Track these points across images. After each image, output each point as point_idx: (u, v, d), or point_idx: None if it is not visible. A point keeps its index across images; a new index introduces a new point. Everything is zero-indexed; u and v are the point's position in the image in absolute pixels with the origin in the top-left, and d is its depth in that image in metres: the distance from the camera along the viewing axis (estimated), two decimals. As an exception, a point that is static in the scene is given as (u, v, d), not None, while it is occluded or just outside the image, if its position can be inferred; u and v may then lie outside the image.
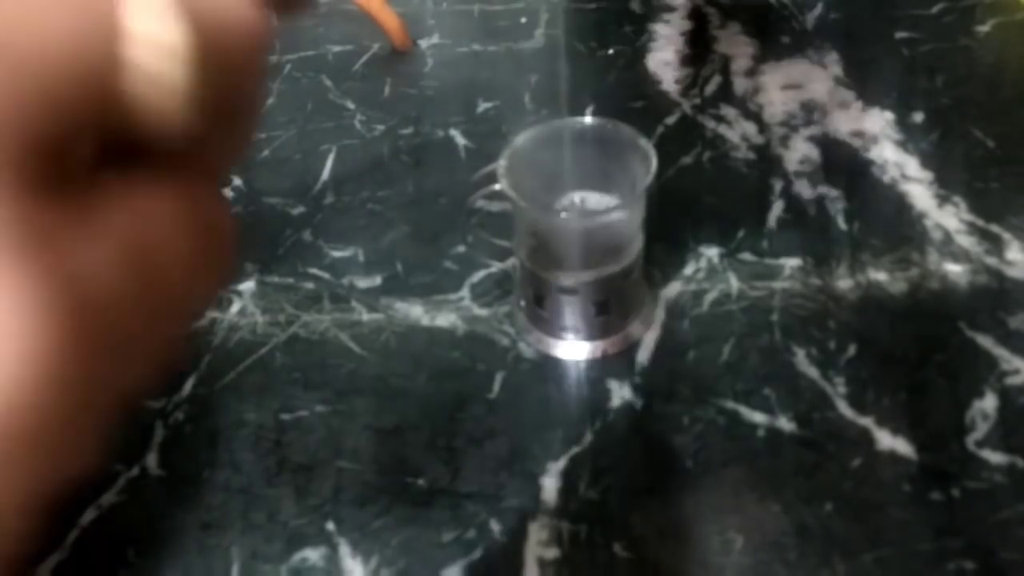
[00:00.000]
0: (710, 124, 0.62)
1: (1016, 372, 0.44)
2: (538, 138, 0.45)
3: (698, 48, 0.69)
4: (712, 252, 0.52)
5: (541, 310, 0.47)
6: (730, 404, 0.44)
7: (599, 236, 0.45)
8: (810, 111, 0.62)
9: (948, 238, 0.52)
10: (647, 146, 0.44)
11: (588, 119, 0.47)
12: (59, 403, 0.11)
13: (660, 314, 0.49)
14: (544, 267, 0.45)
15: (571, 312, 0.46)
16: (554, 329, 0.47)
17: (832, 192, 0.55)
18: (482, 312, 0.50)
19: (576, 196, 0.48)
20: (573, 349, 0.47)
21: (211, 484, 0.43)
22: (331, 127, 0.64)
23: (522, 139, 0.45)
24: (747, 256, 0.52)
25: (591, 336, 0.47)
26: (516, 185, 0.43)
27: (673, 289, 0.50)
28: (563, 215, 0.46)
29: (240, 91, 0.12)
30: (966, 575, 0.37)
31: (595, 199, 0.48)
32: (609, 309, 0.46)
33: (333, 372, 0.47)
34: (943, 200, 0.54)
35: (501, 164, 0.43)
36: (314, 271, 0.53)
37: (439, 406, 0.45)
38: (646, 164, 0.43)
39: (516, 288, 0.49)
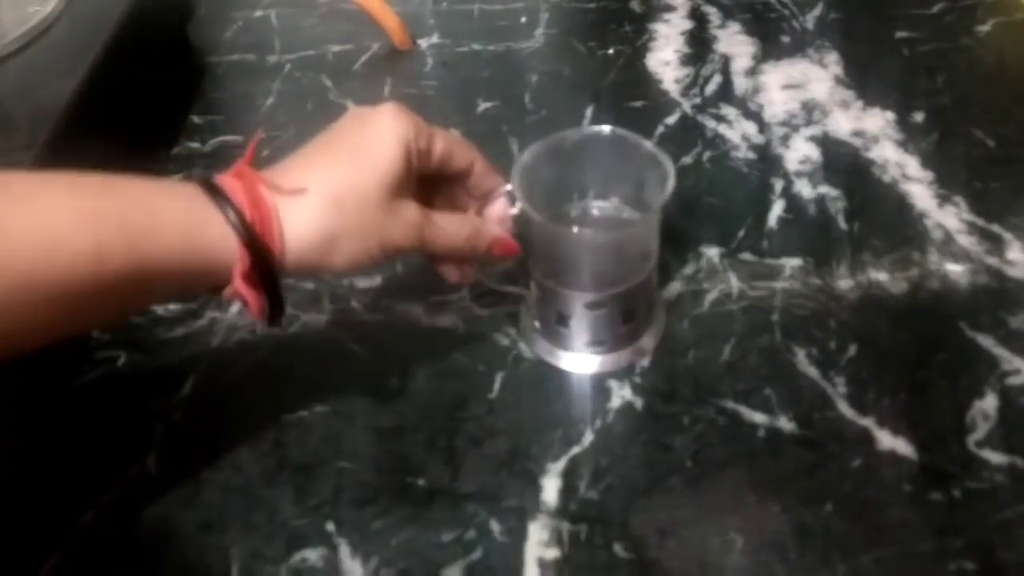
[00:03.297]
0: (710, 124, 0.62)
1: (1017, 372, 0.44)
2: (543, 152, 0.45)
3: (698, 48, 0.69)
4: (712, 252, 0.52)
5: (564, 328, 0.46)
6: (730, 404, 0.44)
7: (620, 250, 0.45)
8: (810, 111, 0.62)
9: (949, 238, 0.52)
10: (665, 159, 0.43)
11: (594, 128, 0.46)
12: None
13: (660, 314, 0.48)
14: (564, 285, 0.44)
15: (598, 326, 0.45)
16: (578, 344, 0.46)
17: (832, 192, 0.55)
18: (483, 312, 0.50)
19: (584, 206, 0.48)
20: (600, 362, 0.46)
21: (210, 484, 0.43)
22: (331, 127, 0.64)
23: (528, 156, 0.44)
24: (747, 256, 0.52)
25: (616, 347, 0.46)
26: (530, 199, 0.42)
27: (673, 289, 0.50)
28: (575, 229, 0.45)
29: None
30: (966, 575, 0.37)
31: (605, 207, 0.48)
32: (635, 317, 0.45)
33: (333, 372, 0.47)
34: (944, 200, 0.54)
35: (514, 184, 0.42)
36: (314, 271, 0.53)
37: (439, 406, 0.45)
38: (660, 174, 0.42)
39: (532, 309, 0.48)
